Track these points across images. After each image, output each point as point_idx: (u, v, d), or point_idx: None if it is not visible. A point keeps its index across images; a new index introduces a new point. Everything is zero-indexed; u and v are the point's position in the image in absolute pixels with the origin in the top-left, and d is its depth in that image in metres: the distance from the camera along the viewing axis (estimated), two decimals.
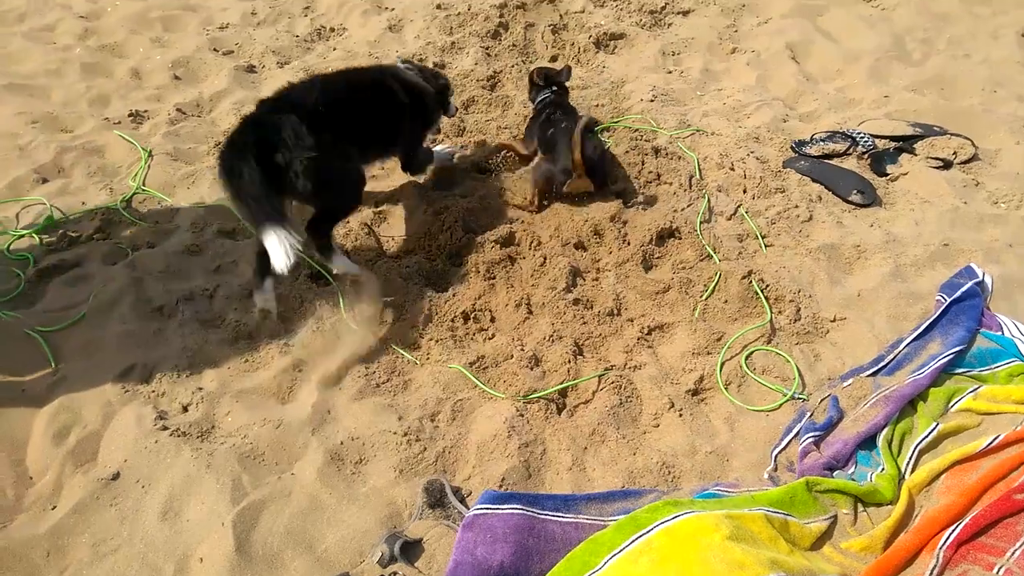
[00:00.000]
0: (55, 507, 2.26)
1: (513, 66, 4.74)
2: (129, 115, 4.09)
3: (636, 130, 4.04)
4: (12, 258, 3.12)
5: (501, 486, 2.34)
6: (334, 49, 4.91)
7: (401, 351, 2.82)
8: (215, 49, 4.81)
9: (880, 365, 2.81)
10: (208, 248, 3.23)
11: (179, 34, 5.03)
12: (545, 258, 3.30)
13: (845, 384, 2.74)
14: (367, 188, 3.68)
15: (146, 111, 4.16)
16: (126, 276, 3.01)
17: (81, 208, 3.42)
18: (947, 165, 3.77)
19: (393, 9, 5.38)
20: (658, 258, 3.36)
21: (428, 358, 2.83)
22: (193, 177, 3.65)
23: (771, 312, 3.00)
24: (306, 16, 5.35)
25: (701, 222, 3.45)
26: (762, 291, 3.08)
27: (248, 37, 4.98)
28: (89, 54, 4.67)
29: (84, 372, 2.64)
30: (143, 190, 3.55)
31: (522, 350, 2.85)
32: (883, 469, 2.40)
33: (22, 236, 3.23)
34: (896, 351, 2.85)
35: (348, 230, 3.37)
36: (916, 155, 3.84)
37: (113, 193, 3.52)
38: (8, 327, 2.76)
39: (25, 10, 5.20)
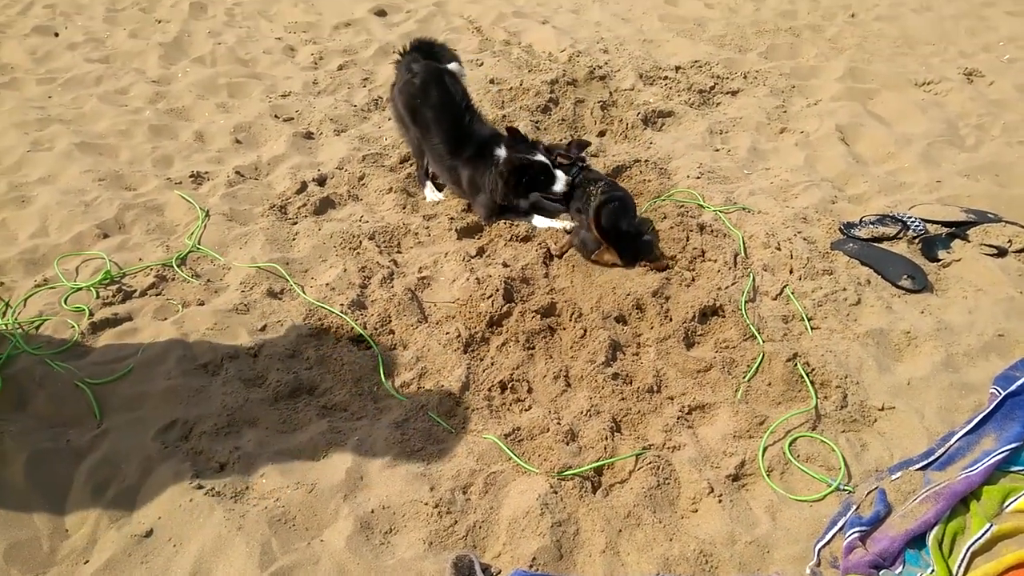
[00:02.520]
0: (87, 561, 2.27)
1: (562, 139, 4.83)
2: (190, 176, 4.27)
3: (682, 206, 4.06)
4: (69, 310, 3.24)
5: (531, 566, 2.28)
6: (389, 119, 5.07)
7: (437, 419, 2.81)
8: (276, 116, 5.03)
9: (930, 459, 2.69)
10: (255, 308, 3.31)
11: (243, 100, 5.28)
12: (585, 330, 3.30)
13: (893, 477, 2.63)
14: (412, 252, 3.77)
15: (207, 172, 4.34)
16: (174, 332, 3.09)
17: (138, 264, 3.55)
18: (1002, 253, 3.67)
19: None
20: (700, 336, 3.32)
21: (464, 427, 2.82)
22: (246, 237, 3.77)
23: (816, 397, 2.92)
24: (364, 87, 5.57)
25: (745, 301, 3.41)
26: (807, 375, 3.01)
27: (308, 105, 5.20)
28: (157, 117, 4.93)
29: (127, 426, 2.69)
30: (198, 248, 3.67)
31: (559, 424, 2.81)
32: (932, 570, 2.27)
33: (80, 289, 3.35)
34: (947, 445, 2.73)
35: (392, 294, 3.41)
36: (969, 242, 3.76)
37: (169, 250, 3.66)
38: (59, 378, 2.84)
39: (102, 73, 5.53)
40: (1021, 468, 2.60)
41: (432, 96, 3.99)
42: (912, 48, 6.41)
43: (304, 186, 4.21)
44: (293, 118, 5.05)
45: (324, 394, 2.91)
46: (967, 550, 2.34)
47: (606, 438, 2.75)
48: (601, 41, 6.38)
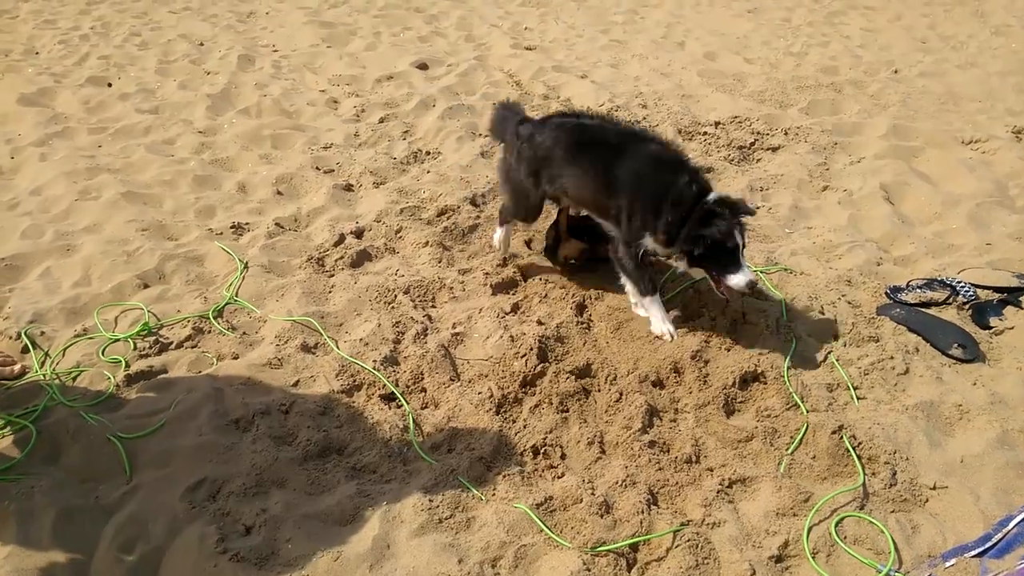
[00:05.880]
0: None
1: None
2: (231, 227, 4.34)
3: None
4: (106, 361, 3.27)
5: None
6: (428, 172, 5.12)
7: (467, 484, 2.74)
8: (317, 167, 5.10)
9: (987, 545, 2.54)
10: (289, 362, 3.30)
11: (286, 151, 5.38)
12: (621, 393, 3.21)
13: (947, 564, 2.48)
14: (447, 307, 3.74)
15: (247, 223, 4.40)
16: (208, 386, 3.09)
17: (175, 315, 3.58)
18: None
19: (487, 136, 5.61)
20: (741, 403, 3.21)
21: (494, 494, 2.73)
22: (283, 290, 3.79)
23: (864, 474, 2.79)
24: (404, 139, 5.64)
25: (788, 368, 3.30)
26: (854, 449, 2.87)
27: (349, 157, 5.28)
28: (202, 167, 5.04)
29: (156, 483, 2.67)
30: (235, 301, 3.70)
31: (592, 494, 2.72)
32: None
33: (117, 340, 3.38)
34: (1005, 530, 2.56)
35: (425, 350, 3.38)
36: (1023, 308, 3.61)
37: (207, 302, 3.69)
38: (92, 431, 2.84)
39: (151, 124, 5.70)
40: None
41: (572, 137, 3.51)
42: (957, 105, 6.31)
43: (342, 238, 4.24)
44: (334, 170, 5.12)
45: (354, 454, 2.86)
46: None
47: (642, 511, 2.65)
48: (640, 96, 6.41)
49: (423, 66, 7.21)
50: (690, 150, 5.35)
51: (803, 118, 5.92)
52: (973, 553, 2.51)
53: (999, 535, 2.55)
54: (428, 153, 5.42)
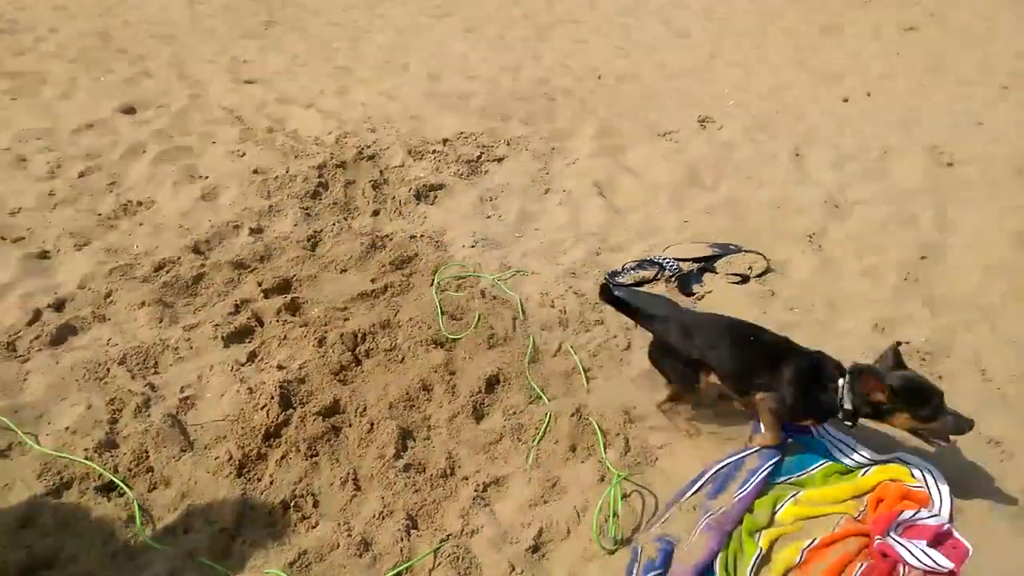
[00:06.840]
0: None
1: (334, 223, 4.72)
2: None
3: (461, 278, 4.08)
4: None
5: None
6: (141, 224, 4.67)
7: (209, 563, 2.50)
8: (3, 238, 4.44)
9: (700, 483, 2.84)
10: None
11: None
12: (372, 423, 3.16)
13: (667, 515, 2.72)
14: (172, 370, 3.42)
15: None
16: None
17: None
18: (745, 280, 4.04)
19: (207, 177, 5.26)
20: (488, 406, 3.30)
21: (242, 566, 2.53)
22: None
23: (603, 447, 2.98)
24: (111, 192, 5.10)
25: (528, 363, 3.44)
26: (596, 425, 3.07)
27: (43, 220, 4.66)
28: None
29: None
30: None
31: (349, 536, 2.63)
32: None
33: None
34: (715, 470, 2.89)
35: (148, 425, 3.05)
36: (717, 273, 4.10)
37: None
38: None
39: None
40: (785, 478, 2.89)
41: None
42: (653, 102, 7.03)
43: (38, 315, 3.71)
44: (24, 237, 4.48)
45: (67, 564, 2.48)
46: (751, 570, 2.51)
47: (401, 539, 2.62)
48: (368, 120, 6.38)
49: (129, 110, 6.59)
50: (421, 169, 5.43)
51: (523, 128, 6.25)
52: (688, 495, 2.79)
53: (710, 473, 2.86)
54: (140, 203, 4.94)
